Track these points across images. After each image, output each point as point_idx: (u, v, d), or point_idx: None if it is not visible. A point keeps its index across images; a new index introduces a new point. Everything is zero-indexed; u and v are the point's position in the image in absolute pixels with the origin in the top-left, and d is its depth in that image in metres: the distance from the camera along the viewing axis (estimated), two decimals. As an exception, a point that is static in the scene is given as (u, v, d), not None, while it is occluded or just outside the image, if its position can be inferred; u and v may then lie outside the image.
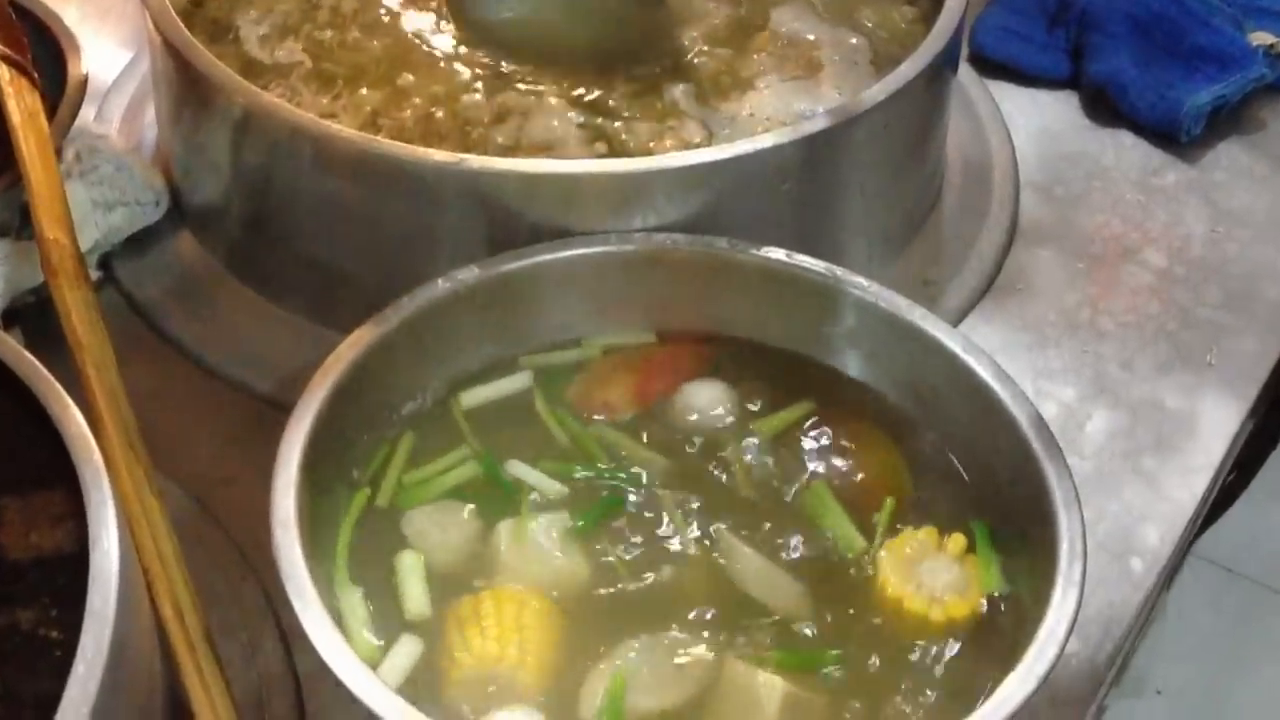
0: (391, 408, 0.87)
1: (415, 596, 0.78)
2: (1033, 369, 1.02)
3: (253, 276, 1.04)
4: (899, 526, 0.82)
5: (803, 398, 0.89)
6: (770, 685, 0.73)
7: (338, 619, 0.73)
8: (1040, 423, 0.81)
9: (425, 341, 0.87)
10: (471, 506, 0.83)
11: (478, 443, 0.86)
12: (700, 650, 0.75)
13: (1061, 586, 0.73)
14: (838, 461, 0.86)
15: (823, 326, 0.91)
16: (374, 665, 0.74)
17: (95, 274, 1.04)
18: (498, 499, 0.83)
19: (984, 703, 0.69)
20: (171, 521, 0.80)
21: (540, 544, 0.80)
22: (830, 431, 0.87)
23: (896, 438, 0.87)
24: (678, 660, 0.75)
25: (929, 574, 0.79)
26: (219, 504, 0.90)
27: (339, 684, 0.68)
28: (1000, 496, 0.82)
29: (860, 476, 0.85)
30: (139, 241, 1.06)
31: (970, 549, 0.80)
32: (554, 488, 0.83)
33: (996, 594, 0.78)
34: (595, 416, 0.88)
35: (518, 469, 0.84)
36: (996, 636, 0.77)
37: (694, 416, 0.88)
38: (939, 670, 0.76)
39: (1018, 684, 0.69)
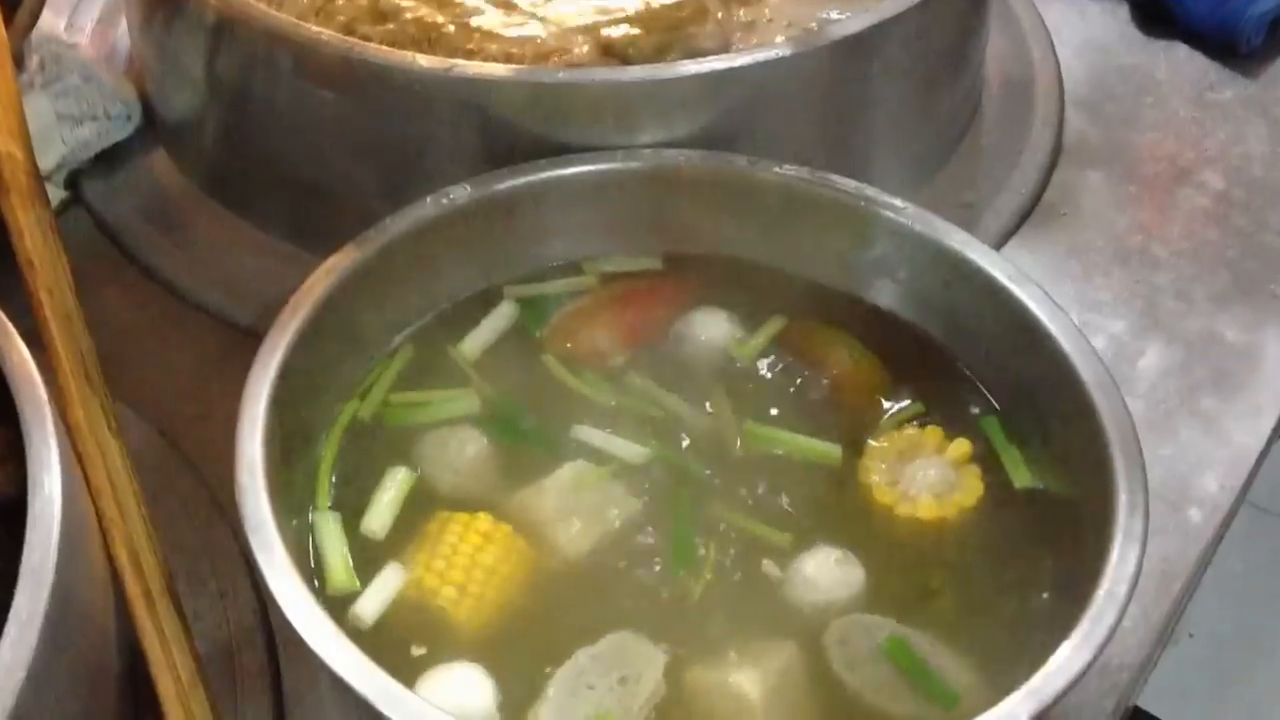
0: (374, 339, 0.79)
1: (378, 513, 0.72)
2: (1079, 300, 0.94)
3: (231, 197, 0.97)
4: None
5: (823, 328, 0.82)
6: (748, 681, 0.66)
7: (315, 549, 0.68)
8: (1096, 360, 0.73)
9: (411, 268, 0.79)
10: (483, 436, 0.76)
11: (483, 383, 0.79)
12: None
13: (1120, 544, 0.65)
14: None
15: (851, 252, 0.83)
16: (351, 597, 0.68)
17: (62, 193, 0.98)
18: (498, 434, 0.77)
19: (1036, 673, 0.61)
20: (135, 461, 0.74)
21: (572, 501, 0.73)
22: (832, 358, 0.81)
23: (928, 370, 0.80)
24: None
25: (913, 471, 0.74)
26: (191, 442, 0.84)
27: (304, 644, 0.60)
28: (1047, 441, 0.75)
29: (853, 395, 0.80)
30: (109, 159, 0.99)
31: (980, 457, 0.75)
32: (634, 450, 0.75)
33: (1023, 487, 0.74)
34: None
35: (585, 433, 0.76)
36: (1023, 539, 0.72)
37: (696, 352, 0.81)
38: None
39: (1072, 653, 0.61)
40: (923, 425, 0.77)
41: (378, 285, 0.78)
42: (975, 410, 0.78)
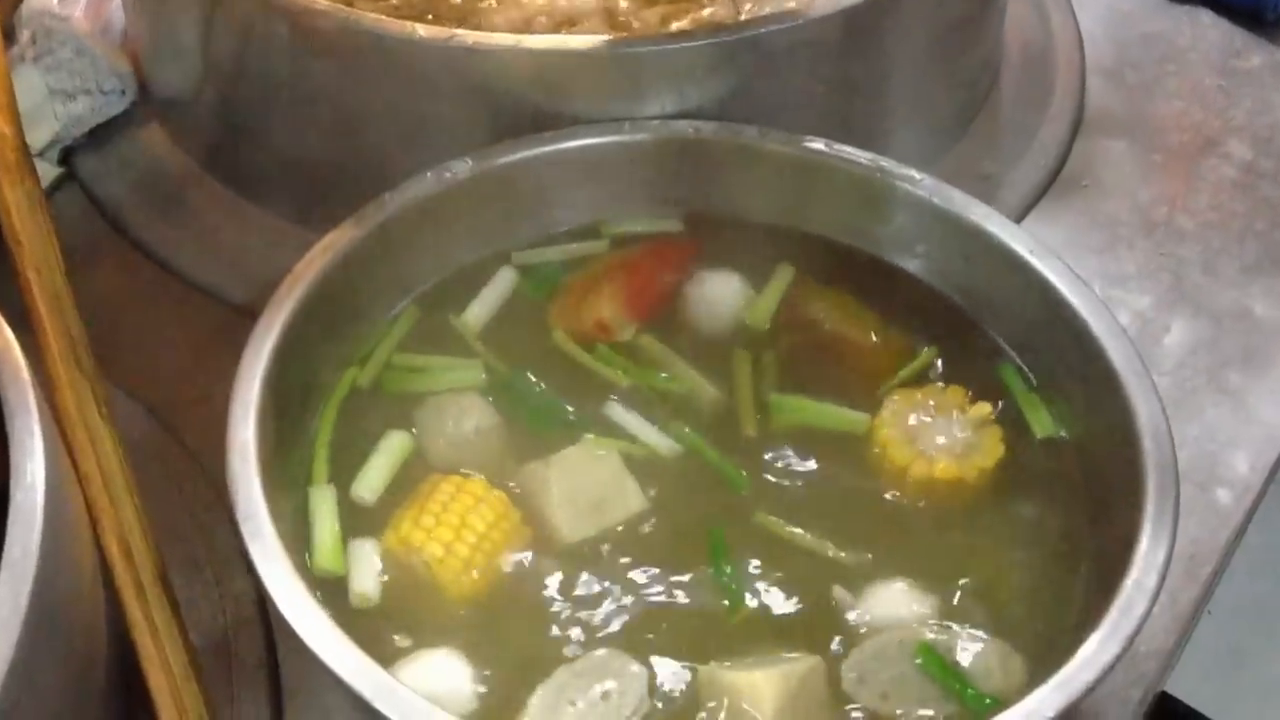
0: (373, 319, 0.77)
1: (369, 479, 0.70)
2: (1102, 274, 0.91)
3: (228, 173, 0.95)
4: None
5: (837, 294, 0.79)
6: (763, 681, 0.63)
7: (307, 527, 0.66)
8: (1123, 338, 0.70)
9: (412, 245, 0.77)
10: (486, 407, 0.74)
11: (487, 352, 0.76)
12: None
13: (1150, 531, 0.62)
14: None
15: (868, 225, 0.80)
16: (339, 575, 0.67)
17: (55, 170, 0.95)
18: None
19: (1066, 664, 0.58)
20: (128, 446, 0.71)
21: (594, 472, 0.71)
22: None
23: (948, 337, 0.77)
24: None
25: (931, 431, 0.72)
26: (187, 426, 0.81)
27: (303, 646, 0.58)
28: (1072, 420, 0.72)
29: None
30: (103, 134, 0.96)
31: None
32: (665, 443, 0.73)
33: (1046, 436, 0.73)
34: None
35: (618, 413, 0.74)
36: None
37: (707, 319, 0.78)
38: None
39: (1101, 645, 0.59)
40: (945, 385, 0.74)
41: (377, 263, 0.76)
42: (996, 372, 0.76)
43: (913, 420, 0.73)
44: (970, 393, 0.73)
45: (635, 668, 0.64)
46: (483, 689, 0.63)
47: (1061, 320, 0.72)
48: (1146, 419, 0.66)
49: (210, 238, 0.92)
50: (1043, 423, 0.73)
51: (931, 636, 0.65)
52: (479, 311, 0.79)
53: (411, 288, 0.79)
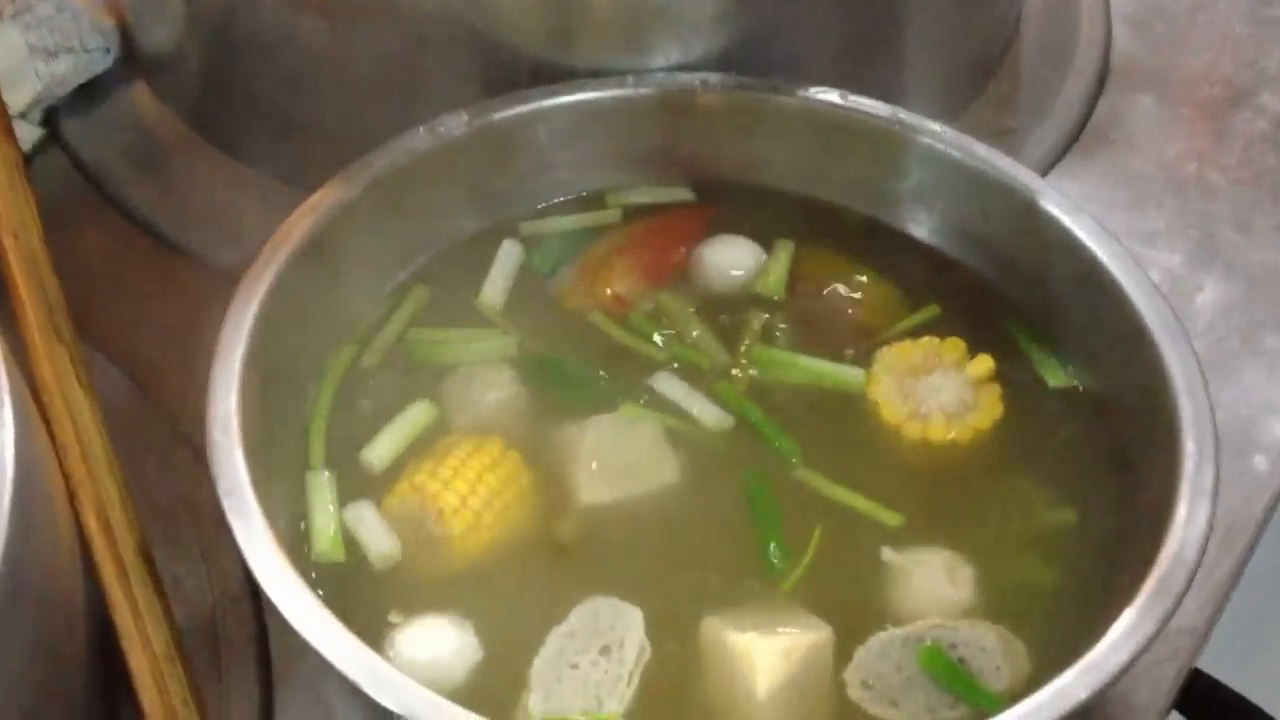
0: (368, 281, 0.73)
1: (381, 446, 0.68)
2: (1130, 232, 0.87)
3: (218, 133, 0.91)
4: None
5: (854, 263, 0.76)
6: (760, 653, 0.60)
7: (306, 513, 0.64)
8: (1156, 295, 0.66)
9: (405, 204, 0.73)
10: (510, 380, 0.71)
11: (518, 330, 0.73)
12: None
13: (1188, 500, 0.59)
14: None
15: (884, 183, 0.76)
16: (337, 560, 0.64)
17: (37, 131, 0.92)
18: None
19: (1097, 643, 0.55)
20: (111, 416, 0.68)
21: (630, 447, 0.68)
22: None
23: (970, 305, 0.74)
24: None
25: (926, 388, 0.69)
26: (173, 395, 0.78)
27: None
28: (1104, 383, 0.69)
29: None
30: (87, 94, 0.92)
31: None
32: (717, 415, 0.69)
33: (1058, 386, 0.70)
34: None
35: (662, 382, 0.70)
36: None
37: (721, 287, 0.75)
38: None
39: (1135, 623, 0.55)
40: (943, 338, 0.71)
41: (369, 225, 0.72)
42: (1006, 328, 0.72)
43: (907, 376, 0.69)
44: (972, 347, 0.70)
45: (628, 612, 0.62)
46: (487, 656, 0.61)
47: (1092, 278, 0.69)
48: (1183, 380, 0.63)
49: (199, 200, 0.89)
50: (1055, 373, 0.70)
51: (931, 638, 0.61)
52: (498, 285, 0.75)
53: (409, 254, 0.75)
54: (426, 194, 0.74)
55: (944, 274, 0.75)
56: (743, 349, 0.72)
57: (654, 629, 0.61)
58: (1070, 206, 0.71)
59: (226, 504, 0.58)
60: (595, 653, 0.60)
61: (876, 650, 0.61)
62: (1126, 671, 0.54)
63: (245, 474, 0.59)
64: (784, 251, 0.76)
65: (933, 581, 0.63)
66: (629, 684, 0.60)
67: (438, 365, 0.71)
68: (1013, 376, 0.70)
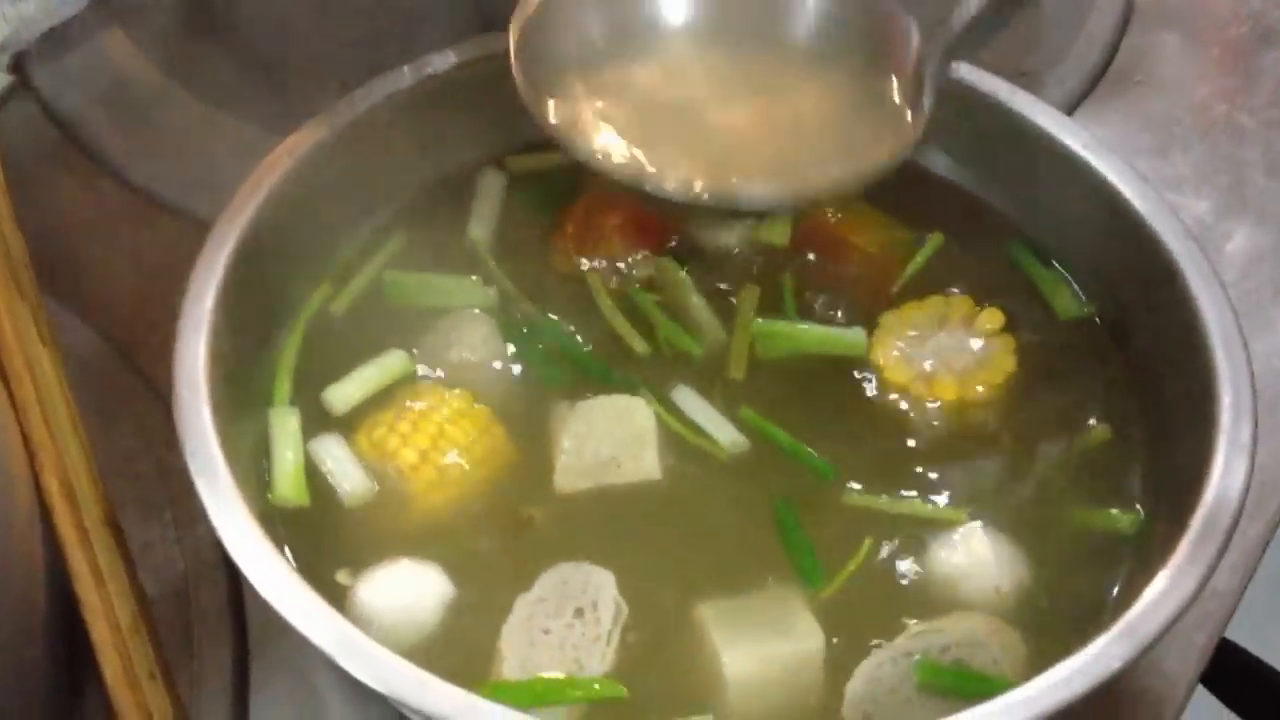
0: (347, 232, 0.69)
1: (347, 388, 0.64)
2: (1156, 177, 0.82)
3: (196, 79, 0.87)
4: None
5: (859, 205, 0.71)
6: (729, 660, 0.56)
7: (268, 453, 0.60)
8: (1189, 239, 0.62)
9: (389, 147, 0.69)
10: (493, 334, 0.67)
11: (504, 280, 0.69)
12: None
13: (1224, 455, 0.55)
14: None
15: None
16: (299, 503, 0.61)
17: (6, 78, 0.88)
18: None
19: (1131, 608, 0.51)
20: (82, 375, 0.66)
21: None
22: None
23: (986, 248, 0.70)
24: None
25: (933, 347, 0.65)
26: (146, 354, 0.74)
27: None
28: (1131, 331, 0.65)
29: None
30: (58, 38, 0.88)
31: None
32: (730, 435, 0.64)
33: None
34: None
35: (685, 397, 0.65)
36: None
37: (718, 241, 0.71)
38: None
39: (1171, 584, 0.51)
40: (949, 296, 0.67)
41: (350, 168, 0.69)
42: (1009, 255, 0.69)
43: (913, 335, 0.66)
44: (980, 301, 0.67)
45: (598, 574, 0.58)
46: (456, 612, 0.58)
47: (1118, 222, 0.65)
48: (1218, 328, 0.59)
49: (176, 149, 0.85)
50: (1064, 305, 0.67)
51: (919, 650, 0.56)
52: (485, 218, 0.72)
53: (390, 197, 0.72)
54: (412, 137, 0.70)
55: (956, 209, 0.71)
56: (739, 329, 0.68)
57: (630, 592, 0.58)
58: (1096, 144, 0.66)
59: (192, 466, 0.54)
60: (569, 616, 0.57)
61: (867, 676, 0.56)
62: (1163, 636, 0.50)
63: (214, 434, 0.55)
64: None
65: (979, 562, 0.59)
66: (609, 643, 0.56)
67: (416, 308, 0.68)
68: (1024, 319, 0.67)
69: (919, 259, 0.69)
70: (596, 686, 0.55)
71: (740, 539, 0.61)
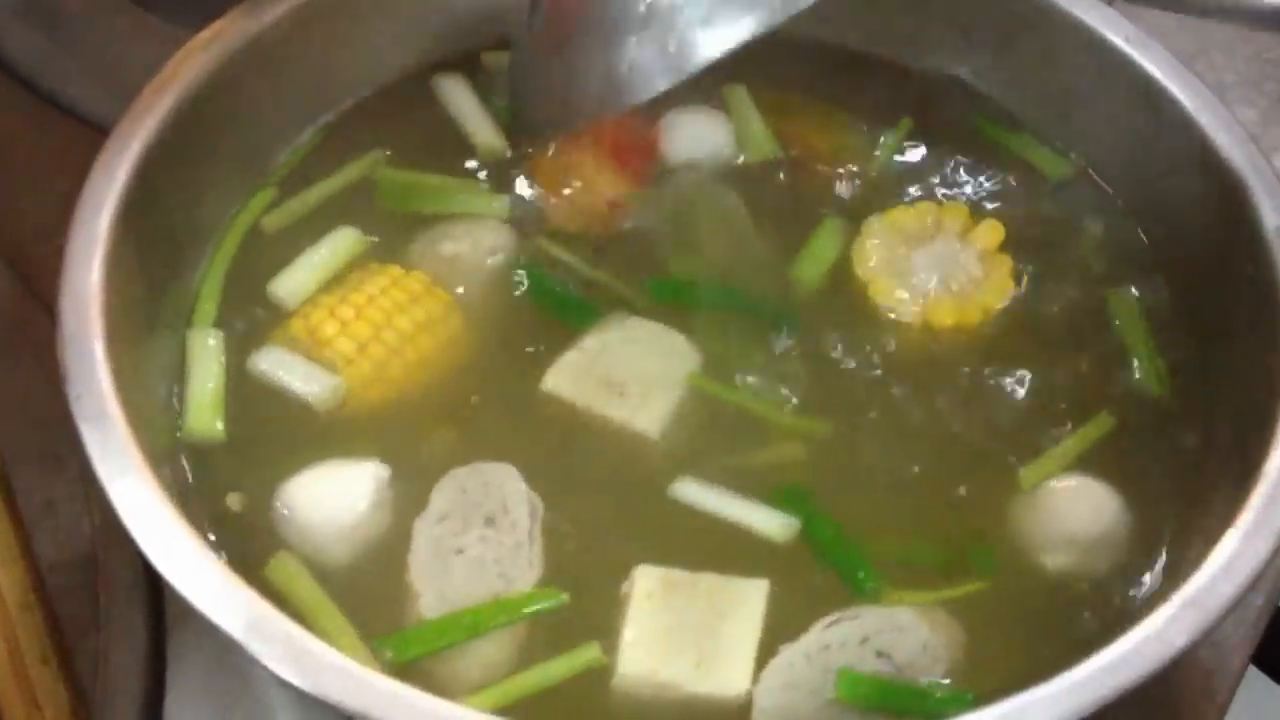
0: (284, 139, 0.61)
1: (293, 281, 0.57)
2: (1195, 83, 0.75)
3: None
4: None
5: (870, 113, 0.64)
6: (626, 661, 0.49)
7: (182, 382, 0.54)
8: (1247, 143, 0.55)
9: (322, 43, 0.61)
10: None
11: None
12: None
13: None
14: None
15: (909, 16, 0.65)
16: (215, 440, 0.53)
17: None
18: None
19: (1196, 572, 0.43)
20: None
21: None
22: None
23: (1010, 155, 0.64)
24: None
25: (925, 260, 0.58)
26: (51, 280, 0.65)
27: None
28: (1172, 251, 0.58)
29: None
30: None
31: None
32: (777, 524, 0.54)
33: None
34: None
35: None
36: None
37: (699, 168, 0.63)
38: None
39: (1242, 545, 0.44)
40: (941, 203, 0.61)
41: (282, 59, 0.60)
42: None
43: (900, 249, 0.59)
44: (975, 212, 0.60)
45: (497, 471, 0.51)
46: (372, 530, 0.51)
47: (1165, 121, 0.57)
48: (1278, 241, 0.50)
49: (96, 57, 0.78)
50: (1053, 167, 0.62)
51: (835, 642, 0.48)
52: (479, 124, 0.65)
53: (337, 95, 0.63)
54: (350, 31, 0.61)
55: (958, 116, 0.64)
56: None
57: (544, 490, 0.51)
58: (1140, 37, 0.60)
59: (75, 409, 0.46)
60: (479, 527, 0.50)
61: (779, 681, 0.47)
62: (1237, 605, 0.42)
63: (107, 373, 0.47)
64: (744, 108, 0.65)
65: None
66: (532, 546, 0.50)
67: (416, 214, 0.61)
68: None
69: (889, 142, 0.63)
70: (530, 601, 0.48)
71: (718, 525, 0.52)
